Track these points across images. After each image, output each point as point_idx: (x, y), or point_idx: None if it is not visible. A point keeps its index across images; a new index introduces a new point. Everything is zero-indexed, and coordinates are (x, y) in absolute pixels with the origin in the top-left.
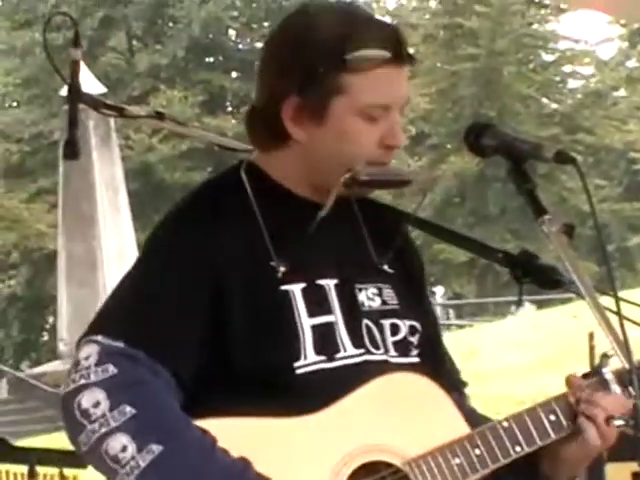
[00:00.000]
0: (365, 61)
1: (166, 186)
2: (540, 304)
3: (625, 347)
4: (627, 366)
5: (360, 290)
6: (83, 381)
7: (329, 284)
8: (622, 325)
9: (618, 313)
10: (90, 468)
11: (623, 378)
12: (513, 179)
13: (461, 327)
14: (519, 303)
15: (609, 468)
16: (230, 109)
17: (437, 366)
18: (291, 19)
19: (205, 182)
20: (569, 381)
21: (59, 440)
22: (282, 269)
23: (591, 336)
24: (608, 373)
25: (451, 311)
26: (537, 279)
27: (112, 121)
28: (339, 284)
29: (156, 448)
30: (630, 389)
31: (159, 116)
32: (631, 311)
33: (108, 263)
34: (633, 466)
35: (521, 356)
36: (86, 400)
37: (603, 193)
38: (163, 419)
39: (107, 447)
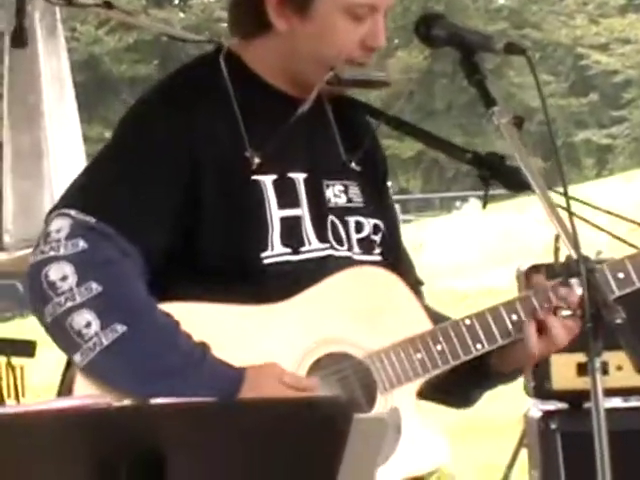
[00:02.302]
0: None
1: (112, 78)
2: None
3: (574, 240)
4: (575, 257)
5: (327, 186)
6: (52, 253)
7: (299, 178)
8: (571, 219)
9: (567, 208)
10: (37, 357)
11: (571, 269)
12: (464, 70)
13: (407, 222)
14: (484, 204)
15: (554, 359)
16: (177, 1)
17: (398, 264)
18: None
19: (183, 67)
20: (534, 281)
21: (7, 330)
22: (256, 160)
23: (557, 238)
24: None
25: (397, 206)
26: (504, 180)
27: (58, 12)
28: (308, 179)
29: (120, 327)
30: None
31: (107, 5)
32: (578, 208)
33: (54, 155)
34: (578, 357)
35: (467, 251)
36: (54, 272)
37: (550, 89)
38: (129, 300)
39: (72, 321)
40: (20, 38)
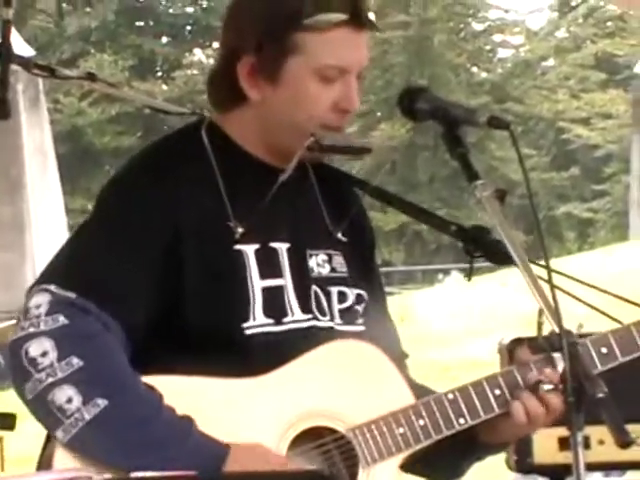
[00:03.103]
0: (323, 21)
1: (95, 150)
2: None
3: (556, 313)
4: (557, 331)
5: (310, 256)
6: (32, 329)
7: (281, 247)
8: (553, 292)
9: (549, 281)
10: (17, 429)
11: (553, 343)
12: (446, 144)
13: (390, 294)
14: (469, 276)
15: (536, 433)
16: (160, 74)
17: (382, 335)
18: None
19: (165, 137)
20: (517, 355)
21: None
22: (239, 230)
23: (540, 312)
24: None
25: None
26: (488, 253)
27: (41, 84)
28: (291, 248)
29: (102, 402)
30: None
31: (91, 77)
32: (560, 280)
33: (37, 226)
34: (560, 431)
35: (449, 323)
36: (34, 349)
37: (532, 162)
38: (110, 373)
39: (53, 397)
40: (3, 110)
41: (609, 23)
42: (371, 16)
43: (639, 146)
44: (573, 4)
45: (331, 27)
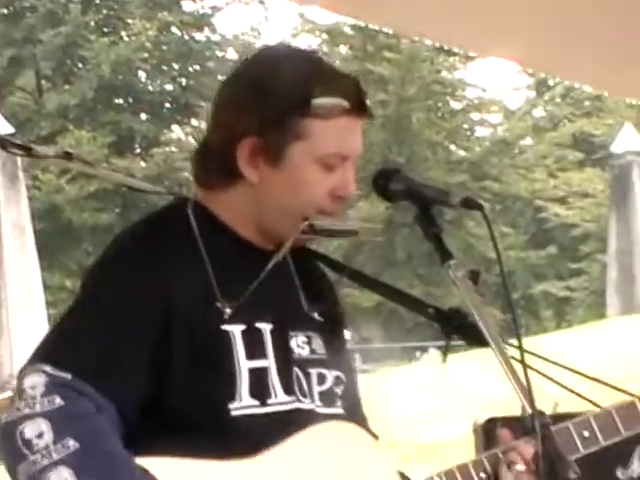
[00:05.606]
0: (328, 108)
1: (73, 227)
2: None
3: (528, 395)
4: (530, 411)
5: (291, 337)
6: (28, 410)
7: (266, 328)
8: (526, 372)
9: (522, 362)
10: None
11: (526, 425)
12: (420, 224)
13: (367, 372)
14: (444, 358)
15: None
16: (139, 151)
17: (356, 417)
18: (255, 60)
19: (151, 217)
20: (500, 437)
21: None
22: (227, 310)
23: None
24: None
25: (357, 356)
26: (465, 335)
27: (19, 161)
28: (274, 329)
29: None
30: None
31: (67, 156)
32: (534, 360)
33: (13, 303)
34: None
35: (426, 402)
36: (29, 430)
37: (509, 241)
38: (106, 456)
39: (49, 479)
40: None
41: (586, 103)
42: (368, 103)
43: (616, 225)
44: (550, 83)
45: (336, 114)
